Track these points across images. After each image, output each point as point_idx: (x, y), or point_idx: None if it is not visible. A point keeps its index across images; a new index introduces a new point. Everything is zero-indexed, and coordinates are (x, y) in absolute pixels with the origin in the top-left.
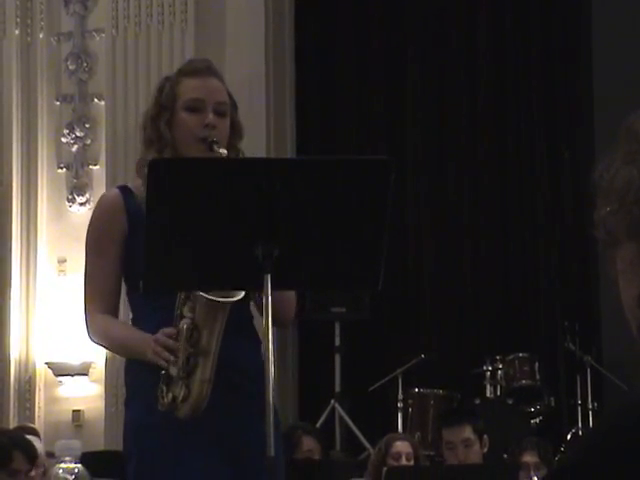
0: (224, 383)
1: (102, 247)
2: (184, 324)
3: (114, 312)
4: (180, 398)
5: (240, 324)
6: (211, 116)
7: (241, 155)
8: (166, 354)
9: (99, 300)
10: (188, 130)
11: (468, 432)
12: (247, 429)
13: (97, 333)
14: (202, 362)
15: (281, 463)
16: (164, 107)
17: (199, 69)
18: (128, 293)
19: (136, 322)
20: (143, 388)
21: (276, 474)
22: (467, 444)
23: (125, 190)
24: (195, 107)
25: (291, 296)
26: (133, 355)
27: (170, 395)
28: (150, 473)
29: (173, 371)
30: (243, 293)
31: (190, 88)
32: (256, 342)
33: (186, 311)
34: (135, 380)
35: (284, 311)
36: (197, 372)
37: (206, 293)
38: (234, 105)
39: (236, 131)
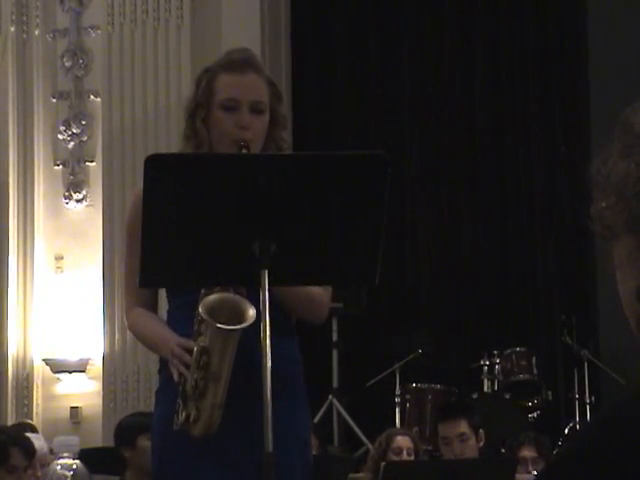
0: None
1: (135, 242)
2: (197, 345)
3: (151, 306)
4: (192, 419)
5: (277, 323)
6: (246, 116)
7: (286, 147)
8: (182, 368)
9: (135, 294)
10: (223, 130)
11: (463, 427)
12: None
13: (131, 326)
14: (212, 387)
15: None
16: (200, 104)
17: (237, 63)
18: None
19: (168, 317)
20: (171, 384)
21: (277, 473)
22: (462, 439)
23: None
24: (230, 106)
25: (322, 295)
26: (157, 353)
27: (184, 414)
28: (170, 474)
29: (188, 387)
30: (254, 318)
31: (226, 85)
32: (290, 340)
33: (203, 329)
34: (165, 373)
35: (314, 310)
36: (208, 396)
37: (217, 321)
38: (276, 95)
39: (277, 123)
